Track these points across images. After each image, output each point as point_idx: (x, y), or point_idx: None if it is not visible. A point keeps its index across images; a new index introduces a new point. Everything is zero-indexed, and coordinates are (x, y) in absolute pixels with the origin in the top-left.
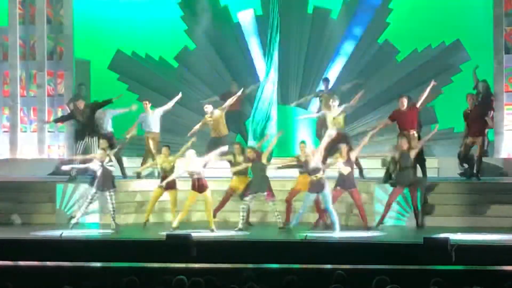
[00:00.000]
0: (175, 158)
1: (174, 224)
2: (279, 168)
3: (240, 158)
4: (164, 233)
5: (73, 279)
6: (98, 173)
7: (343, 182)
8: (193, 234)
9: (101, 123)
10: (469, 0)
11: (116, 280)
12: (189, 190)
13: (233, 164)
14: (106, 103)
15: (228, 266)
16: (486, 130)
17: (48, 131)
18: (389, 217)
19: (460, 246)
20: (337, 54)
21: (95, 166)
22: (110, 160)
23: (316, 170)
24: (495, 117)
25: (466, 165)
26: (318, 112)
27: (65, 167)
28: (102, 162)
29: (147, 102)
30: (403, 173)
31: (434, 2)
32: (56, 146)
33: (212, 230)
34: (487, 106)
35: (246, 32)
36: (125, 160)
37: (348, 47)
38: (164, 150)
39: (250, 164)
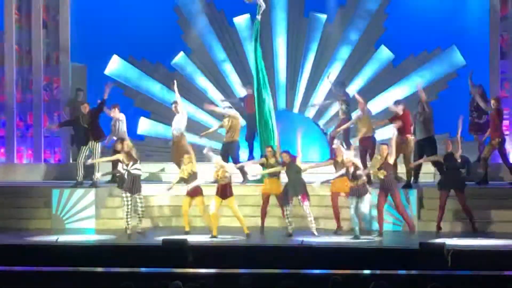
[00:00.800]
0: (193, 166)
1: (214, 233)
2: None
3: (272, 160)
4: (161, 238)
5: (69, 284)
6: (125, 177)
7: (383, 185)
8: (190, 239)
9: (117, 125)
10: (465, 6)
11: (113, 285)
12: (214, 196)
13: (266, 167)
14: (102, 105)
15: (224, 271)
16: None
17: (44, 136)
18: (384, 222)
19: (456, 251)
20: (333, 59)
21: (121, 169)
22: (135, 163)
23: (358, 175)
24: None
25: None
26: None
27: (99, 174)
28: (127, 165)
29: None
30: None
31: (430, 7)
32: (52, 151)
33: (248, 235)
34: (483, 111)
35: (243, 37)
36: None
37: (344, 52)
38: (186, 157)
39: (284, 168)
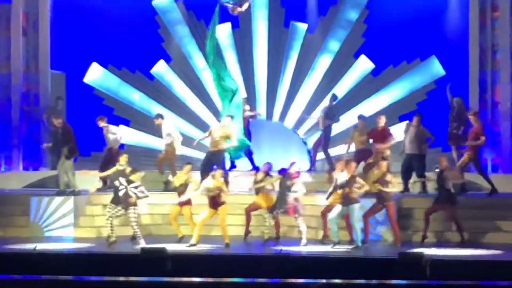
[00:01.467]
0: (187, 177)
1: (193, 241)
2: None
3: (260, 175)
4: (139, 246)
5: None
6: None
7: (378, 197)
8: (168, 248)
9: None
10: (444, 17)
11: None
12: (207, 207)
13: (256, 181)
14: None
15: (203, 280)
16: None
17: (23, 144)
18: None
19: (435, 261)
20: (313, 68)
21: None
22: (139, 185)
23: (344, 184)
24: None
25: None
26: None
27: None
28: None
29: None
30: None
31: (410, 18)
32: (30, 159)
33: (228, 245)
34: (461, 122)
35: (223, 46)
36: None
37: (324, 62)
38: (187, 167)
39: (273, 180)
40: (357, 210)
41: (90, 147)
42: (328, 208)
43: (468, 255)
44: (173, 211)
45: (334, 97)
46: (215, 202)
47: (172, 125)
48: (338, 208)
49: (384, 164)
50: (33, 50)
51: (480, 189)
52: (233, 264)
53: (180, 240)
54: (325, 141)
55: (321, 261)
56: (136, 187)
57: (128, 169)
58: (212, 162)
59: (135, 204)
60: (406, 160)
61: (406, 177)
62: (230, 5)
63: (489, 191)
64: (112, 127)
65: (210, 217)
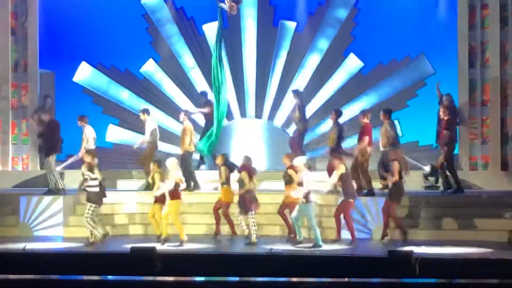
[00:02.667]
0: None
1: (184, 237)
2: None
3: (223, 169)
4: (129, 246)
5: None
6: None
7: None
8: (158, 247)
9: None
10: (434, 15)
11: None
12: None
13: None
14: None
15: (193, 279)
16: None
17: (12, 143)
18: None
19: (424, 259)
20: (302, 67)
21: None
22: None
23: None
24: (459, 131)
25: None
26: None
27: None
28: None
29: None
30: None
31: (399, 16)
32: (19, 158)
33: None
34: (451, 120)
35: (211, 44)
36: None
37: (313, 60)
38: (153, 165)
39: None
40: (312, 210)
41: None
42: (284, 207)
43: (458, 253)
44: (151, 209)
45: (297, 93)
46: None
47: (155, 123)
48: (297, 207)
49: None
50: (21, 49)
51: (470, 187)
52: (223, 263)
53: (160, 239)
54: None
55: (310, 260)
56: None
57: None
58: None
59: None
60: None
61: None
62: (227, 4)
63: (454, 189)
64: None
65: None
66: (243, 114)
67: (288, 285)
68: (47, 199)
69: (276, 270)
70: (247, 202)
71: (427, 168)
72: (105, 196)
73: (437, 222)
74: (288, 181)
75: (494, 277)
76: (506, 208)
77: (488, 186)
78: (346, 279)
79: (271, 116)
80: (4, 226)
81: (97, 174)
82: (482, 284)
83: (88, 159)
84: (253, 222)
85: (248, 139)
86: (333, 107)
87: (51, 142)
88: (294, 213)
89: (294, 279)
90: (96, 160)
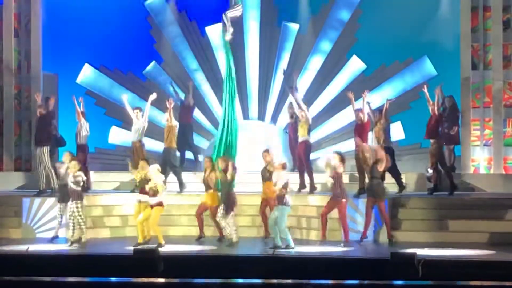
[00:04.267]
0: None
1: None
2: None
3: (209, 172)
4: (131, 247)
5: None
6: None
7: (332, 193)
8: (160, 249)
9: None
10: (436, 17)
11: None
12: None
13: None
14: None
15: (195, 281)
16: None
17: (15, 145)
18: (357, 232)
19: (427, 261)
20: (305, 68)
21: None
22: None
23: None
24: (461, 133)
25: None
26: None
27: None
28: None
29: (138, 111)
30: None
31: (402, 18)
32: (22, 159)
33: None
34: (453, 122)
35: (214, 47)
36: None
37: (316, 62)
38: (142, 163)
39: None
40: (286, 213)
41: (94, 143)
42: (264, 205)
43: (461, 255)
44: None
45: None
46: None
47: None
48: (274, 209)
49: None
50: (25, 51)
51: (473, 189)
52: (225, 265)
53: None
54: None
55: (313, 262)
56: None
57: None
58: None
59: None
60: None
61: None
62: (234, 10)
63: (430, 190)
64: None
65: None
66: (246, 116)
67: (291, 287)
68: (49, 200)
69: (278, 271)
70: (231, 202)
71: (430, 170)
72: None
73: (440, 224)
74: (267, 178)
75: (497, 279)
76: (509, 210)
77: (490, 188)
78: (349, 281)
79: (274, 118)
80: (7, 227)
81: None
82: (485, 286)
83: (80, 156)
84: (234, 222)
85: (251, 141)
86: (335, 108)
87: (43, 134)
88: (272, 215)
89: (297, 281)
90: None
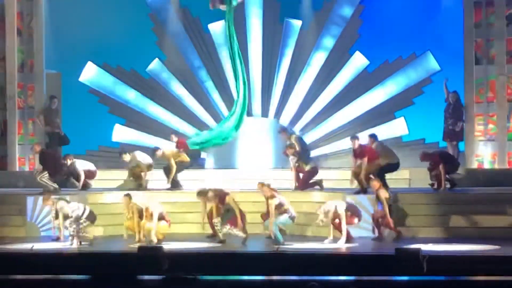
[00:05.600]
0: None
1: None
2: None
3: None
4: (136, 245)
5: None
6: None
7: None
8: (165, 246)
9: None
10: (439, 12)
11: None
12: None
13: None
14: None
15: (200, 278)
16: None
17: (19, 144)
18: (361, 228)
19: (432, 257)
20: (307, 65)
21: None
22: None
23: None
24: (465, 128)
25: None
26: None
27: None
28: None
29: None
30: None
31: (405, 14)
32: (26, 158)
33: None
34: (458, 118)
35: (218, 44)
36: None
37: (319, 58)
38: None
39: None
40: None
41: (97, 142)
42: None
43: (465, 250)
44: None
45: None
46: None
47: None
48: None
49: None
50: (27, 49)
51: (477, 184)
52: (230, 262)
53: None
54: None
55: (318, 258)
56: None
57: None
58: None
59: None
60: None
61: None
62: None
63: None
64: None
65: None
66: (249, 112)
67: (295, 283)
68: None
69: (283, 268)
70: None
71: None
72: None
73: (445, 219)
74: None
75: (502, 274)
76: None
77: (494, 183)
78: (354, 277)
79: (277, 115)
80: (11, 226)
81: None
82: (490, 281)
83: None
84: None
85: (254, 137)
86: (338, 105)
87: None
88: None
89: (302, 278)
90: None
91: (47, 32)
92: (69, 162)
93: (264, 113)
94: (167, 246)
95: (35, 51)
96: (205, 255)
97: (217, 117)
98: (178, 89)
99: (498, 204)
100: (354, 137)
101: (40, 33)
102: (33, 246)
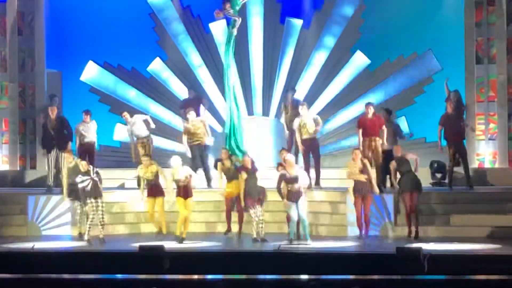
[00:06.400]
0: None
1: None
2: None
3: (228, 163)
4: (137, 244)
5: None
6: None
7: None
8: (166, 245)
9: (86, 132)
10: (440, 11)
11: None
12: (177, 198)
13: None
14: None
15: (201, 277)
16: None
17: (20, 143)
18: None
19: (433, 256)
20: (309, 64)
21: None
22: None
23: (295, 179)
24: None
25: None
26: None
27: None
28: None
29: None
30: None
31: (406, 13)
32: (27, 157)
33: (183, 239)
34: (458, 116)
35: (218, 43)
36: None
37: (320, 57)
38: (145, 160)
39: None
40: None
41: (98, 141)
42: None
43: (466, 249)
44: (149, 205)
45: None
46: (185, 192)
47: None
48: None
49: (357, 151)
50: (28, 49)
51: (478, 183)
52: (231, 261)
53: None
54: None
55: (319, 257)
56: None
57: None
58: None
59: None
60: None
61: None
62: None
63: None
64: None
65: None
66: (250, 112)
67: (297, 282)
68: (55, 198)
69: (284, 267)
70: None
71: (435, 165)
72: None
73: (446, 218)
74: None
75: (503, 273)
76: None
77: (495, 182)
78: (354, 276)
79: (278, 114)
80: (12, 225)
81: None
82: (491, 280)
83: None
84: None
85: (256, 137)
86: (340, 104)
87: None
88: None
89: (303, 276)
90: None
91: (48, 31)
92: None
93: (265, 112)
94: (168, 245)
95: (36, 50)
96: (206, 254)
97: (217, 116)
98: (179, 88)
99: (498, 203)
100: (369, 103)
101: (41, 32)
102: (34, 245)
